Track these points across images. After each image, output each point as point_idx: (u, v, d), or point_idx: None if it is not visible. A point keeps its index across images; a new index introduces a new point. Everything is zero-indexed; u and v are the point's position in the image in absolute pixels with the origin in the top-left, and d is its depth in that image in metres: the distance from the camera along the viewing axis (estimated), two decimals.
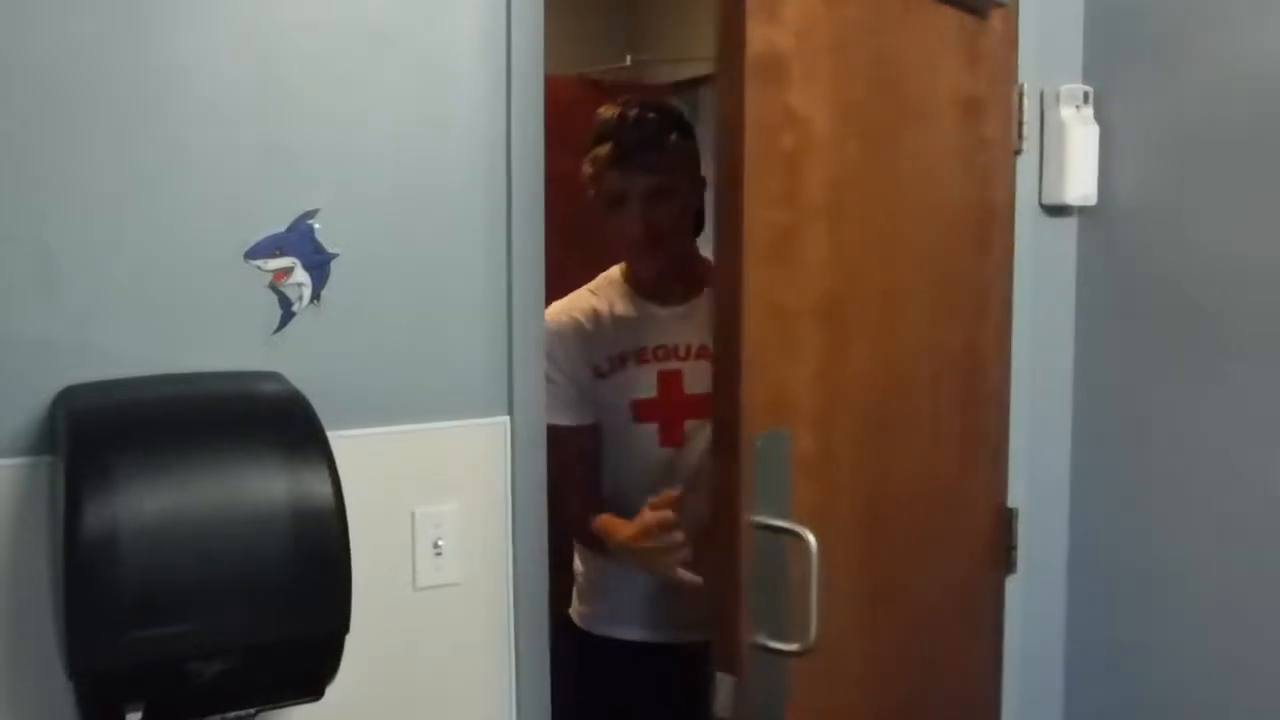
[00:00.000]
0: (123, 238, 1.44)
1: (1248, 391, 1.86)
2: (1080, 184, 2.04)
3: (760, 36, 1.45)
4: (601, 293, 2.08)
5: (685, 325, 2.02)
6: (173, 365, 1.46)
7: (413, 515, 1.64)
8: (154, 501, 1.18)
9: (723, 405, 1.50)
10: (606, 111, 2.04)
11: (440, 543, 1.66)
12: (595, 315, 2.04)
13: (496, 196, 1.68)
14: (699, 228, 2.08)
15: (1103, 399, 2.10)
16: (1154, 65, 1.99)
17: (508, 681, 1.73)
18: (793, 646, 1.49)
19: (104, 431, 1.24)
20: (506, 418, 1.70)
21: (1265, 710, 1.86)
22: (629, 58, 3.71)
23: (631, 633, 2.10)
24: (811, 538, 1.47)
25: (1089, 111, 2.05)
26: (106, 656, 1.16)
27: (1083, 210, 2.09)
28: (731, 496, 1.49)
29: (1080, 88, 2.05)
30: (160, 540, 1.18)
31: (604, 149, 1.96)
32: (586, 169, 2.00)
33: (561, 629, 2.05)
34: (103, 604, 1.15)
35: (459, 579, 1.68)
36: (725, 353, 1.49)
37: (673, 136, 1.98)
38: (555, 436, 1.83)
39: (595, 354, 2.02)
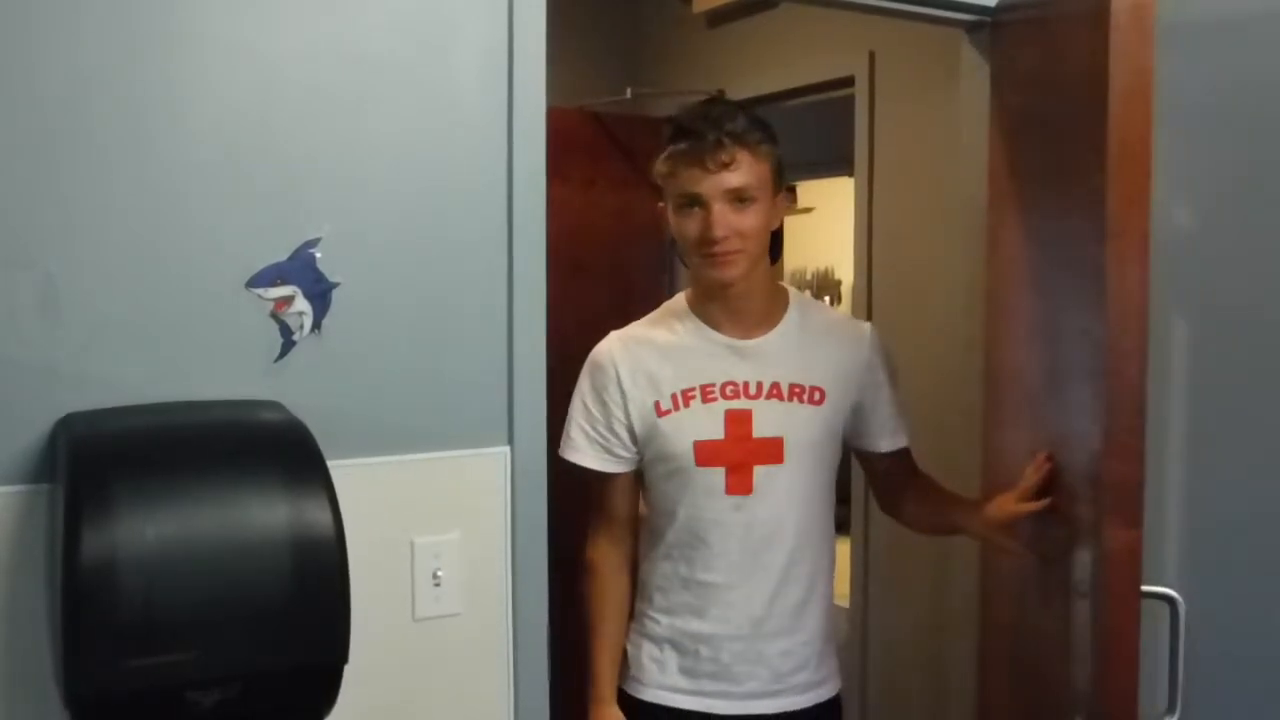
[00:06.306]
0: (124, 266, 1.45)
1: None
2: None
3: None
4: (662, 322, 1.90)
5: (759, 361, 1.85)
6: (173, 393, 1.46)
7: (412, 545, 1.64)
8: (153, 530, 1.18)
9: (1119, 466, 1.40)
10: (685, 106, 1.87)
11: (440, 573, 1.66)
12: (654, 346, 1.87)
13: (498, 226, 1.68)
14: (776, 255, 1.91)
15: None
16: None
17: (507, 713, 1.72)
18: None
19: (104, 459, 1.24)
20: (507, 448, 1.70)
21: None
22: (629, 91, 3.73)
23: (690, 700, 1.87)
24: (1181, 600, 1.43)
25: None
26: (104, 685, 1.16)
27: None
28: (1130, 564, 1.40)
29: None
30: (159, 569, 1.17)
31: (681, 145, 1.77)
32: (660, 167, 1.82)
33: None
34: (101, 632, 1.15)
35: (459, 610, 1.68)
36: (1123, 407, 1.38)
37: (757, 136, 1.79)
38: (584, 478, 1.88)
39: (655, 389, 1.84)
